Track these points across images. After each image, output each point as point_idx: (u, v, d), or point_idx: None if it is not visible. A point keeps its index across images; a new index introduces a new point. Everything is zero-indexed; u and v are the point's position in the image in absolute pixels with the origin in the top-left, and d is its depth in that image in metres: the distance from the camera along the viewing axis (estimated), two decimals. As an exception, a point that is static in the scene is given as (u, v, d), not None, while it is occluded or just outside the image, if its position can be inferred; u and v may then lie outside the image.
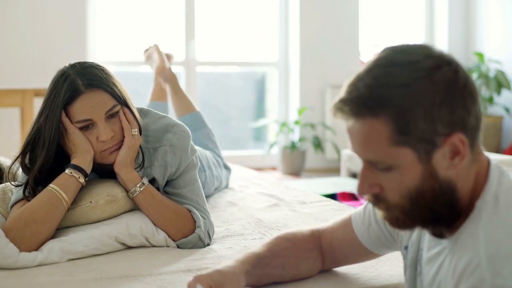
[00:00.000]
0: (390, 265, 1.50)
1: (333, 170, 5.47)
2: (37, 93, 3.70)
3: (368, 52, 5.81)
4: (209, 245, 1.70)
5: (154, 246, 1.67)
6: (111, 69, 1.68)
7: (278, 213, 2.14)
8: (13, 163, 1.65)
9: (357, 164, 4.24)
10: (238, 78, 6.03)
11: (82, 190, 1.63)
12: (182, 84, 5.19)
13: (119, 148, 1.64)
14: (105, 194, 1.64)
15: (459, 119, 0.96)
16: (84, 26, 4.90)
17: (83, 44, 4.89)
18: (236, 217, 2.07)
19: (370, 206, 1.30)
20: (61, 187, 1.57)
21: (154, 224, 1.67)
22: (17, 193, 1.64)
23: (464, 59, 5.71)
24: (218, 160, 2.54)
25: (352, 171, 4.66)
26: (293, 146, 5.31)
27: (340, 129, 5.09)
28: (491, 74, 5.43)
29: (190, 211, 1.69)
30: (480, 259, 0.93)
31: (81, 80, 1.57)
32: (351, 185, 3.97)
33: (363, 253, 1.35)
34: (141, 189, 1.66)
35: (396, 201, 1.01)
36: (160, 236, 1.66)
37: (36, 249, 1.53)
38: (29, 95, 3.68)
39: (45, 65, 4.53)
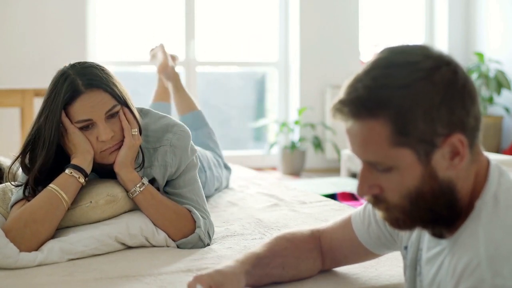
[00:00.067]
0: (390, 265, 1.50)
1: (333, 170, 5.47)
2: (37, 93, 3.70)
3: (368, 52, 5.81)
4: (209, 245, 1.70)
5: (154, 246, 1.67)
6: (111, 69, 1.68)
7: (278, 213, 2.14)
8: (13, 163, 1.65)
9: (357, 164, 4.23)
10: (238, 78, 6.03)
11: (82, 190, 1.63)
12: (182, 84, 5.18)
13: (119, 148, 1.64)
14: (105, 194, 1.64)
15: (458, 119, 0.96)
16: (84, 26, 4.90)
17: (83, 44, 4.89)
18: (236, 217, 2.07)
19: (369, 206, 1.30)
20: (61, 187, 1.57)
21: (154, 224, 1.67)
22: (17, 193, 1.64)
23: (464, 59, 5.71)
24: (219, 160, 2.54)
25: (352, 171, 4.66)
26: (293, 146, 5.32)
27: (340, 129, 5.09)
28: (491, 74, 5.43)
29: (190, 211, 1.69)
30: (480, 259, 0.93)
31: (81, 80, 1.57)
32: (351, 185, 3.97)
33: (363, 253, 1.35)
34: (141, 189, 1.66)
35: (396, 202, 1.01)
36: (160, 236, 1.66)
37: (36, 249, 1.53)
38: (29, 95, 3.68)
39: (45, 65, 4.54)
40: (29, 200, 1.59)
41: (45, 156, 1.58)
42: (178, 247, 1.67)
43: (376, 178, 1.00)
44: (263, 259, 1.32)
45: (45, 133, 1.58)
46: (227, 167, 2.63)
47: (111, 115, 1.61)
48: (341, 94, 1.00)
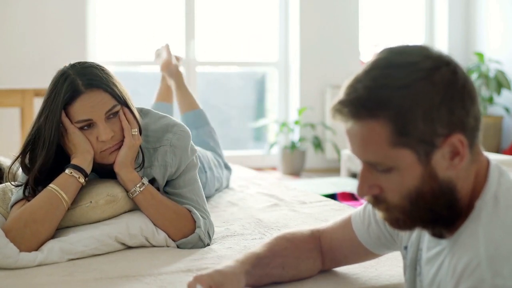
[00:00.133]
0: (390, 265, 1.50)
1: (333, 170, 5.47)
2: (37, 93, 3.70)
3: (368, 52, 5.81)
4: (209, 245, 1.70)
5: (154, 246, 1.67)
6: (111, 69, 1.68)
7: (278, 213, 2.14)
8: (13, 163, 1.65)
9: (357, 164, 4.23)
10: (238, 78, 6.03)
11: (82, 190, 1.63)
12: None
13: (119, 148, 1.64)
14: (105, 194, 1.64)
15: (458, 119, 0.96)
16: (84, 26, 4.90)
17: (83, 44, 4.89)
18: (236, 217, 2.07)
19: (369, 206, 1.30)
20: (61, 187, 1.57)
21: (154, 224, 1.67)
22: (17, 193, 1.64)
23: (464, 59, 5.71)
24: (219, 160, 2.55)
25: (352, 171, 4.66)
26: (293, 146, 5.32)
27: (340, 129, 5.08)
28: (491, 74, 5.43)
29: (190, 211, 1.69)
30: (480, 259, 0.93)
31: (81, 80, 1.57)
32: (351, 185, 3.97)
33: (363, 253, 1.35)
34: (141, 189, 1.66)
35: (396, 202, 1.01)
36: (160, 236, 1.66)
37: (36, 249, 1.53)
38: (29, 95, 3.68)
39: (45, 65, 4.54)
40: (29, 200, 1.59)
41: (45, 156, 1.58)
42: (178, 247, 1.67)
43: (376, 179, 1.00)
44: (263, 259, 1.32)
45: (45, 133, 1.58)
46: (227, 167, 2.63)
47: (111, 115, 1.61)
48: (340, 94, 1.00)
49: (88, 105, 1.57)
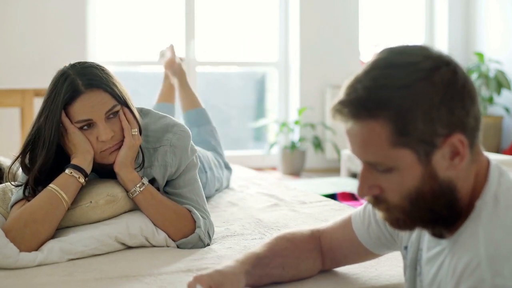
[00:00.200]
0: (390, 265, 1.50)
1: (333, 170, 5.47)
2: (37, 93, 3.71)
3: (368, 52, 5.81)
4: (209, 245, 1.70)
5: (154, 246, 1.67)
6: (111, 69, 1.68)
7: (278, 213, 2.14)
8: (13, 163, 1.65)
9: (357, 164, 4.24)
10: (238, 78, 6.03)
11: (82, 190, 1.63)
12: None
13: (119, 148, 1.64)
14: (105, 194, 1.64)
15: (458, 119, 0.96)
16: (84, 26, 4.90)
17: (83, 44, 4.89)
18: (236, 217, 2.07)
19: (369, 206, 1.30)
20: (61, 187, 1.57)
21: (154, 224, 1.67)
22: (17, 193, 1.64)
23: (464, 59, 5.71)
24: (219, 161, 2.55)
25: (352, 171, 4.66)
26: (293, 146, 5.32)
27: (340, 129, 5.08)
28: (491, 74, 5.43)
29: (190, 211, 1.69)
30: (480, 259, 0.93)
31: (81, 80, 1.57)
32: (351, 185, 3.97)
33: (363, 253, 1.35)
34: (141, 189, 1.66)
35: (396, 202, 1.01)
36: (160, 236, 1.66)
37: (36, 249, 1.53)
38: (29, 95, 3.68)
39: (45, 65, 4.54)
40: (29, 200, 1.59)
41: (45, 156, 1.58)
42: (178, 247, 1.67)
43: (376, 179, 1.00)
44: (263, 259, 1.32)
45: (45, 133, 1.58)
46: (228, 167, 2.63)
47: (111, 115, 1.61)
48: (340, 95, 1.00)
49: (88, 105, 1.57)
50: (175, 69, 2.89)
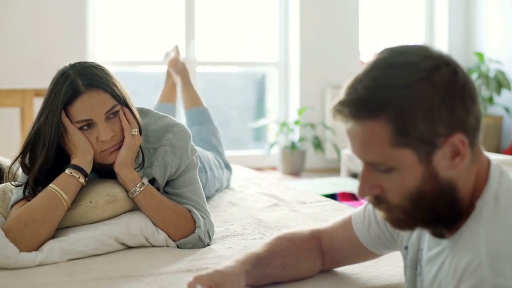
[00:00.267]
0: (390, 265, 1.50)
1: (333, 170, 5.47)
2: (37, 93, 3.70)
3: (368, 52, 5.81)
4: (209, 245, 1.70)
5: (154, 246, 1.67)
6: (111, 69, 1.68)
7: (278, 213, 2.14)
8: (13, 163, 1.65)
9: (357, 164, 4.24)
10: (238, 78, 6.03)
11: (82, 190, 1.63)
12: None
13: (119, 148, 1.64)
14: (105, 194, 1.64)
15: (458, 119, 0.96)
16: (84, 26, 4.90)
17: (83, 44, 4.89)
18: (236, 217, 2.07)
19: (370, 206, 1.30)
20: (61, 187, 1.57)
21: (154, 224, 1.67)
22: (17, 193, 1.64)
23: (464, 59, 5.71)
24: (220, 161, 2.55)
25: (352, 171, 4.66)
26: (293, 146, 5.32)
27: (340, 129, 5.06)
28: (491, 74, 5.43)
29: (190, 211, 1.69)
30: (481, 259, 0.93)
31: (81, 80, 1.57)
32: (351, 185, 3.97)
33: (363, 253, 1.35)
34: (141, 189, 1.66)
35: (397, 202, 1.01)
36: (160, 236, 1.66)
37: (36, 249, 1.53)
38: (29, 95, 3.68)
39: (45, 65, 4.54)
40: (29, 200, 1.59)
41: (45, 156, 1.58)
42: (178, 247, 1.67)
43: (377, 179, 1.00)
44: (263, 259, 1.31)
45: (45, 133, 1.58)
46: (228, 167, 2.63)
47: (111, 115, 1.61)
48: (341, 95, 1.00)
49: (88, 105, 1.57)
50: (179, 68, 2.91)
